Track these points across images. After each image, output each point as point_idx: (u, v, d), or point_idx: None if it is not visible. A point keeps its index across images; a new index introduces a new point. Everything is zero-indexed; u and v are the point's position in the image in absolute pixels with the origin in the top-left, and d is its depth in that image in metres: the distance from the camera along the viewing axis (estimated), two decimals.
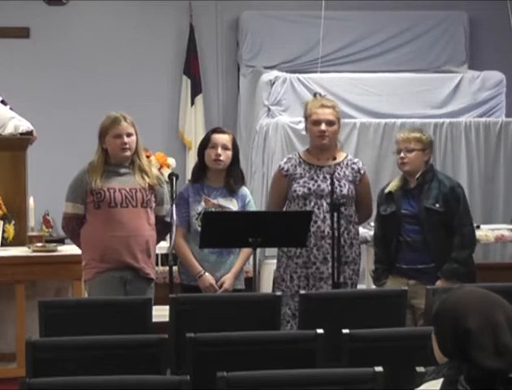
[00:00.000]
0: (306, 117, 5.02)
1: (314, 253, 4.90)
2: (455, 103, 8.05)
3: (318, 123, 4.94)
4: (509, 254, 8.15)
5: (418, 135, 4.99)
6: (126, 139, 4.67)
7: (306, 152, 5.10)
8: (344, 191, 4.91)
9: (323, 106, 4.97)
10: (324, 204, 4.90)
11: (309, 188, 4.94)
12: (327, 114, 4.94)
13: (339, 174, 4.94)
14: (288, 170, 5.02)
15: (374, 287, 5.21)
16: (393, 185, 5.03)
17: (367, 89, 7.96)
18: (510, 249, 8.11)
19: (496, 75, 8.15)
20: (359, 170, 5.03)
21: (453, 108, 8.03)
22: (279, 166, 5.11)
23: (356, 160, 5.12)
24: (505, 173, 7.98)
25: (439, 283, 4.80)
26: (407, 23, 8.61)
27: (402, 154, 4.93)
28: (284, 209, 5.06)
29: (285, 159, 5.14)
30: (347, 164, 5.02)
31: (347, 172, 4.98)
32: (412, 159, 4.92)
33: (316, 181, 4.95)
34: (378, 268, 5.07)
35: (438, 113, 7.98)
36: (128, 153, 4.70)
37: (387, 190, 5.04)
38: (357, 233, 5.04)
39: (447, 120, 7.91)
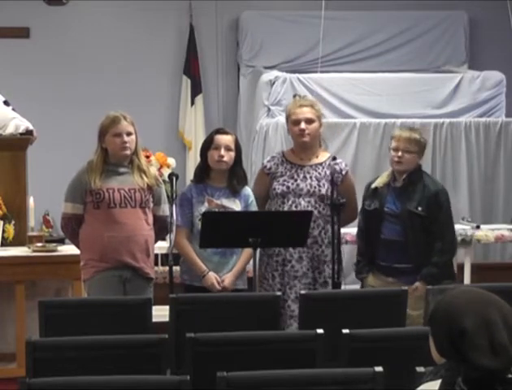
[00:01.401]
0: (287, 118, 5.07)
1: (290, 252, 4.91)
2: (455, 103, 8.05)
3: (297, 122, 4.97)
4: (509, 254, 8.15)
5: (418, 137, 4.99)
6: (126, 138, 4.67)
7: (290, 151, 5.14)
8: (323, 191, 4.91)
9: (301, 105, 5.01)
10: (302, 202, 4.93)
11: (287, 187, 4.97)
12: (305, 112, 4.97)
13: (320, 174, 4.96)
14: (270, 168, 5.06)
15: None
16: (380, 181, 5.04)
17: (367, 89, 7.96)
18: (510, 249, 8.12)
19: (496, 75, 8.15)
20: (341, 170, 5.02)
21: (453, 108, 8.03)
22: (263, 164, 5.17)
23: (339, 160, 5.11)
24: (505, 173, 7.98)
25: (417, 285, 4.81)
26: (407, 23, 8.61)
27: (400, 154, 4.91)
28: (266, 207, 5.07)
29: (269, 158, 5.19)
30: (329, 164, 5.02)
31: (328, 172, 4.98)
32: (409, 160, 4.93)
33: (296, 180, 4.97)
34: (360, 261, 5.10)
35: (438, 113, 7.99)
36: (128, 152, 4.71)
37: (373, 185, 5.04)
38: (338, 233, 5.02)
39: (447, 120, 7.92)
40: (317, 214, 4.90)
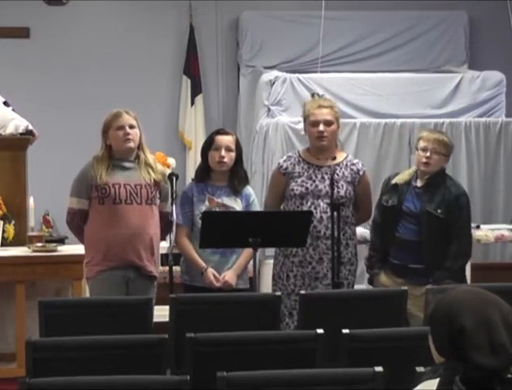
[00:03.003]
0: (305, 118, 5.03)
1: (310, 253, 4.90)
2: (455, 103, 8.05)
3: (316, 123, 4.93)
4: (509, 254, 8.15)
5: (447, 140, 4.95)
6: (128, 130, 4.65)
7: (306, 151, 5.10)
8: (342, 192, 4.90)
9: (320, 106, 4.96)
10: (321, 204, 4.90)
11: (306, 188, 4.94)
12: (324, 114, 4.93)
13: (338, 174, 4.93)
14: (286, 168, 5.02)
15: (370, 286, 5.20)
16: (401, 178, 4.98)
17: (367, 89, 7.96)
18: (510, 249, 8.11)
19: (496, 75, 8.15)
20: (358, 171, 5.02)
21: (453, 108, 8.03)
22: (279, 164, 5.12)
23: (356, 161, 5.10)
24: (505, 173, 7.98)
25: (428, 288, 4.78)
26: (407, 23, 8.61)
27: (429, 154, 4.86)
28: (282, 207, 5.06)
29: (285, 157, 5.14)
30: (346, 165, 5.01)
31: (346, 173, 4.98)
32: (436, 162, 4.88)
33: (314, 181, 4.95)
34: (372, 256, 5.07)
35: (438, 113, 7.99)
36: (132, 145, 4.67)
37: (393, 181, 5.00)
38: (354, 234, 5.03)
39: (447, 120, 7.91)
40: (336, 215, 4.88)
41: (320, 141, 4.94)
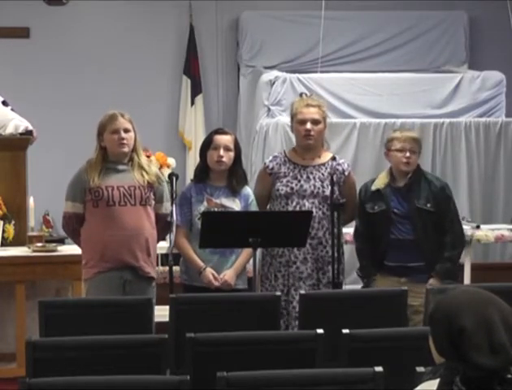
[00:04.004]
0: (292, 116, 5.03)
1: (295, 253, 4.90)
2: (455, 103, 8.05)
3: (303, 122, 4.94)
4: (509, 254, 8.16)
5: (419, 137, 5.06)
6: (123, 134, 4.65)
7: (293, 151, 5.10)
8: (327, 192, 4.88)
9: (308, 105, 4.97)
10: (306, 204, 4.91)
11: (291, 188, 4.95)
12: (312, 113, 4.94)
13: (323, 174, 4.94)
14: (272, 168, 5.03)
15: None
16: (380, 183, 5.01)
17: (367, 89, 7.97)
18: (510, 249, 8.12)
19: (496, 75, 8.15)
20: (343, 171, 5.01)
21: (453, 108, 8.04)
22: (265, 164, 5.12)
23: (341, 161, 5.08)
24: (505, 173, 7.99)
25: (432, 282, 4.82)
26: (407, 23, 8.61)
27: (408, 154, 4.90)
28: (268, 207, 5.06)
29: (271, 157, 5.14)
30: (332, 165, 5.00)
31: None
32: (415, 160, 4.95)
33: (299, 181, 4.96)
34: (365, 265, 5.05)
35: (438, 113, 7.99)
36: (126, 149, 4.69)
37: (374, 187, 5.01)
38: (340, 233, 5.02)
39: (447, 120, 7.92)
40: (321, 215, 4.89)
41: (307, 140, 4.95)
